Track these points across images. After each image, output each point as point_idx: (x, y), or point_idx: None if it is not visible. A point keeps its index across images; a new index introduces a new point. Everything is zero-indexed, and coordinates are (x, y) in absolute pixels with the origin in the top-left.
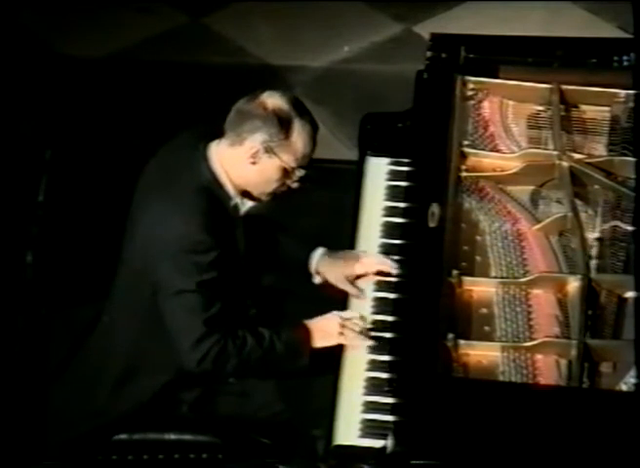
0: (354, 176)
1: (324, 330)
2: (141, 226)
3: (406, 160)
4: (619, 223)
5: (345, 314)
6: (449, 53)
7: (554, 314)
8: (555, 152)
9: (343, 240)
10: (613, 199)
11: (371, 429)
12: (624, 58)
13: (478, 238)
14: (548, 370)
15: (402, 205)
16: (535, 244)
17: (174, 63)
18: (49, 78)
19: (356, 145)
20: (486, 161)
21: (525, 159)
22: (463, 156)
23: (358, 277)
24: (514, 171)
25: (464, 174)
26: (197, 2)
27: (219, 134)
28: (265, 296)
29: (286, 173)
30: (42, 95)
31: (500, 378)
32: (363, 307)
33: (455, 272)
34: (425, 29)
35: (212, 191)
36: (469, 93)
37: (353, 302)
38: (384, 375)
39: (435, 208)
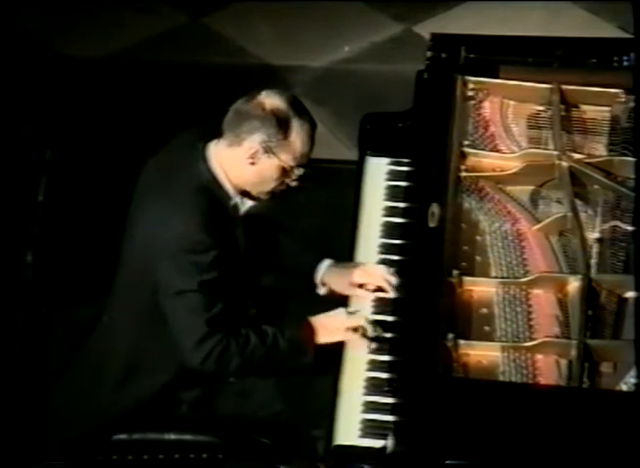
0: (354, 176)
1: (329, 326)
2: (141, 226)
3: (406, 160)
4: (618, 223)
5: (351, 310)
6: (449, 53)
7: (554, 314)
8: (555, 152)
9: (343, 240)
10: (612, 199)
11: (371, 429)
12: (624, 58)
13: (478, 238)
14: (548, 370)
15: (402, 205)
16: (535, 244)
17: (174, 63)
18: (49, 78)
19: (356, 145)
20: (486, 161)
21: (525, 159)
22: (463, 156)
23: (361, 286)
24: (514, 171)
25: (464, 174)
26: (197, 2)
27: (217, 134)
28: (265, 296)
29: (285, 172)
30: (42, 95)
31: (500, 378)
32: (363, 307)
33: (455, 272)
34: (425, 29)
35: (211, 191)
36: (469, 93)
37: (353, 303)
38: (384, 375)
39: (435, 208)
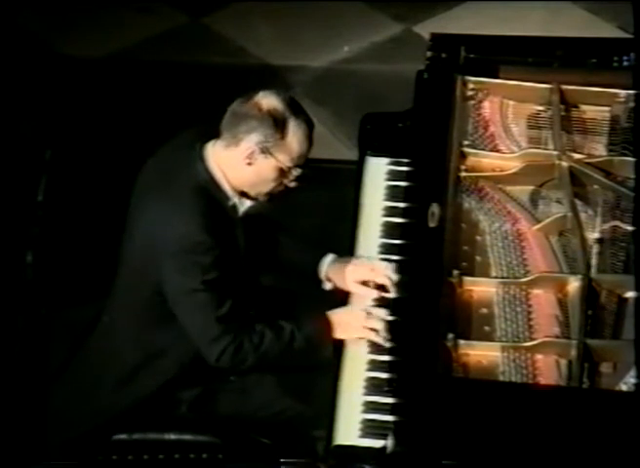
0: (354, 176)
1: (347, 322)
2: (141, 226)
3: (406, 160)
4: (618, 223)
5: (370, 309)
6: (449, 53)
7: (554, 314)
8: (555, 152)
9: (344, 240)
10: (612, 199)
11: (371, 429)
12: (624, 58)
13: (478, 238)
14: (548, 370)
15: (402, 205)
16: (535, 244)
17: (174, 63)
18: (49, 78)
19: (356, 145)
20: (486, 161)
21: (525, 159)
22: (463, 156)
23: (364, 283)
24: (514, 171)
25: (464, 174)
26: (197, 2)
27: (215, 134)
28: (265, 296)
29: (282, 172)
30: (42, 95)
31: (500, 378)
32: (364, 306)
33: (455, 272)
34: (425, 29)
35: (209, 191)
36: (469, 93)
37: (354, 301)
38: (384, 375)
39: (435, 208)
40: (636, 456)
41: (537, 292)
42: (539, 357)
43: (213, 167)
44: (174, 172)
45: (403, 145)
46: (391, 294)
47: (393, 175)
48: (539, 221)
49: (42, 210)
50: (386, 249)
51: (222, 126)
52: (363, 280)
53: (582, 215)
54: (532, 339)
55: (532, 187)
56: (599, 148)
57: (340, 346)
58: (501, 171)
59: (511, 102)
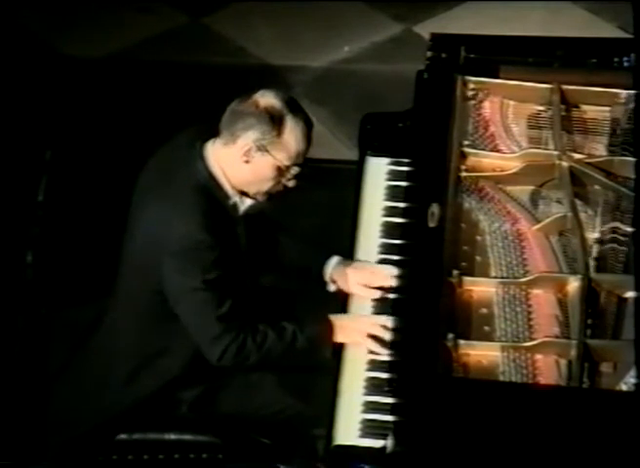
0: (354, 176)
1: (350, 328)
2: (141, 226)
3: (406, 160)
4: (618, 224)
5: (374, 318)
6: (449, 53)
7: (554, 314)
8: (555, 152)
9: (344, 240)
10: (613, 199)
11: (371, 429)
12: (625, 58)
13: (478, 238)
14: (548, 370)
15: (402, 205)
16: (535, 244)
17: (174, 63)
18: (49, 78)
19: (356, 145)
20: (486, 161)
21: (525, 159)
22: (463, 156)
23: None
24: (514, 171)
25: (464, 174)
26: (197, 2)
27: (215, 133)
28: (265, 296)
29: (280, 171)
30: (42, 95)
31: (501, 378)
32: (363, 307)
33: (455, 272)
34: (425, 29)
35: (209, 190)
36: (470, 93)
37: (354, 302)
38: (384, 375)
39: (435, 208)
40: (636, 456)
41: (536, 292)
42: (538, 357)
43: (213, 165)
44: (174, 171)
45: (403, 145)
46: (391, 296)
47: (393, 175)
48: (539, 221)
49: (42, 210)
50: (386, 249)
51: (221, 124)
52: (364, 282)
53: (583, 216)
54: (532, 339)
55: (532, 187)
56: (599, 148)
57: (340, 347)
58: (502, 171)
59: (512, 102)
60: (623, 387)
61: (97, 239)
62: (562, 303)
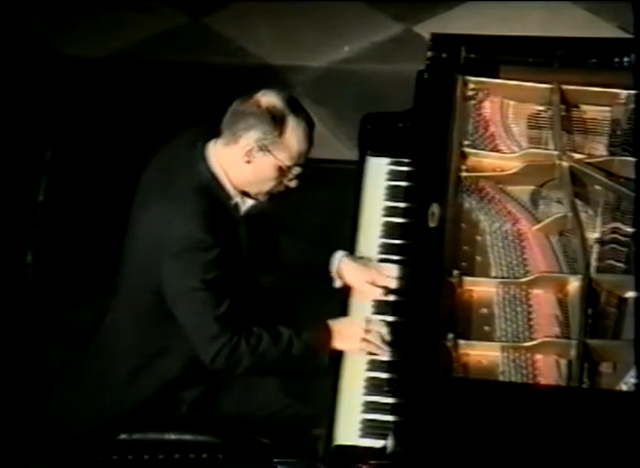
0: (354, 176)
1: (347, 333)
2: (143, 226)
3: (406, 160)
4: (619, 224)
5: (370, 320)
6: (449, 53)
7: (554, 314)
8: (555, 152)
9: (344, 240)
10: (613, 199)
11: (371, 429)
12: (625, 58)
13: (478, 238)
14: (548, 370)
15: (402, 205)
16: (535, 244)
17: (174, 63)
18: (49, 78)
19: (356, 145)
20: (486, 161)
21: (525, 159)
22: (464, 156)
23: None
24: (514, 171)
25: (465, 174)
26: (197, 2)
27: (217, 133)
28: (265, 297)
29: (282, 171)
30: (42, 95)
31: (500, 378)
32: (363, 307)
33: (455, 272)
34: (426, 29)
35: (211, 190)
36: (470, 93)
37: (354, 302)
38: (384, 375)
39: (435, 208)
40: (636, 456)
41: (537, 292)
42: (538, 357)
43: (214, 166)
44: (175, 171)
45: (403, 145)
46: (393, 296)
47: (393, 175)
48: (539, 221)
49: (42, 210)
50: (386, 249)
51: (223, 124)
52: (367, 281)
53: (583, 216)
54: (532, 339)
55: (532, 187)
56: (600, 148)
57: (338, 354)
58: (502, 171)
59: (512, 102)
60: (623, 387)
61: (97, 239)
62: (562, 303)
